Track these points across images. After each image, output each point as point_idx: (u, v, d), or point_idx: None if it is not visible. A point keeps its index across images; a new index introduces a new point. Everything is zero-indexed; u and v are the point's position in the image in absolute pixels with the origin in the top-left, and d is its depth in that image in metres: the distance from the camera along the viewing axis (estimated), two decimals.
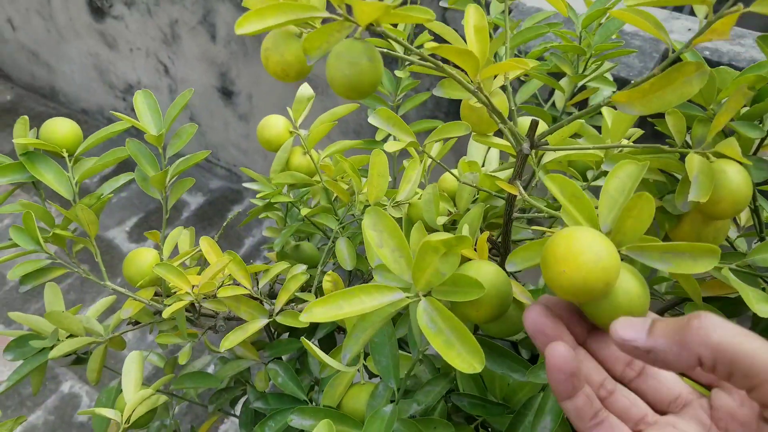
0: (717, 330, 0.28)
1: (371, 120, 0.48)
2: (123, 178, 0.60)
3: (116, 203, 2.15)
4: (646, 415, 0.34)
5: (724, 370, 0.28)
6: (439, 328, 0.38)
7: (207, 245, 0.56)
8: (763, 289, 0.49)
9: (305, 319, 0.38)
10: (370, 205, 0.65)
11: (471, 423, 0.56)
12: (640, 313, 0.36)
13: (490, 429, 0.55)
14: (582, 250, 0.33)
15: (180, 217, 2.11)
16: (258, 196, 0.66)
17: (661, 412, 0.35)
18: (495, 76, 0.49)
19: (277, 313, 0.54)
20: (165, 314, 0.49)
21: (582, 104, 0.82)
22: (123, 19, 2.01)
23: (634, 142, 0.59)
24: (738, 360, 0.27)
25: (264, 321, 0.53)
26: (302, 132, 0.68)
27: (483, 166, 0.68)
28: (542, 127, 0.55)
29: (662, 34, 0.36)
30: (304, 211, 0.65)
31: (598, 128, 0.61)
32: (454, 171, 0.62)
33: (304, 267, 0.59)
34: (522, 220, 0.60)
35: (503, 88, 0.48)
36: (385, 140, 0.84)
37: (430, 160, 0.72)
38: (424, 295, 0.39)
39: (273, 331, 0.79)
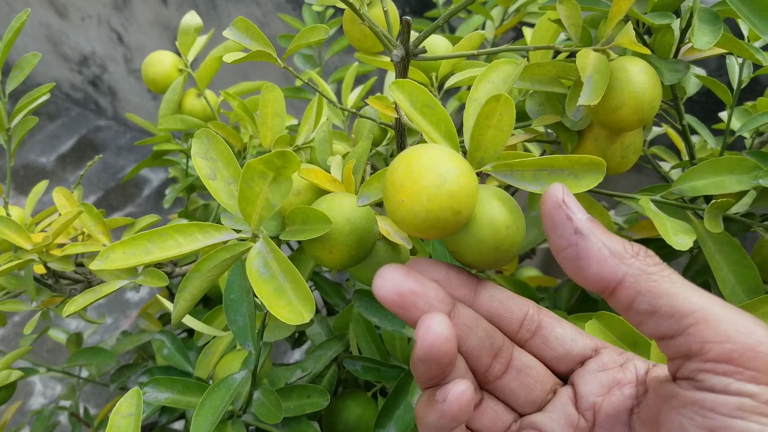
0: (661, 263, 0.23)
1: (226, 33, 0.40)
2: None
3: (72, 182, 2.07)
4: (510, 425, 0.28)
5: (645, 305, 0.22)
6: (272, 273, 0.31)
7: (62, 197, 0.48)
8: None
9: (99, 266, 0.30)
10: (264, 151, 0.58)
11: (371, 390, 0.49)
12: (509, 247, 0.28)
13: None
14: (422, 173, 0.25)
15: (141, 194, 2.03)
16: (136, 143, 0.58)
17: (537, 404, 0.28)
18: None
19: (141, 273, 0.47)
20: None
21: (517, 34, 0.74)
22: None
23: None
24: (668, 294, 0.22)
25: (123, 282, 0.46)
26: (195, 71, 0.60)
27: None
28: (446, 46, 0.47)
29: None
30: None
31: None
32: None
33: (184, 221, 0.51)
34: None
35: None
36: (307, 86, 0.76)
37: (349, 105, 0.65)
38: (264, 236, 0.32)
39: None
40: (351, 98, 0.66)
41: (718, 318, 0.21)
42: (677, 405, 0.22)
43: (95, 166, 2.09)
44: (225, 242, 0.32)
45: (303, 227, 0.33)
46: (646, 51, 0.30)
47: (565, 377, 0.29)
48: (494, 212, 0.28)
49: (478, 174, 0.28)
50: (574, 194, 0.26)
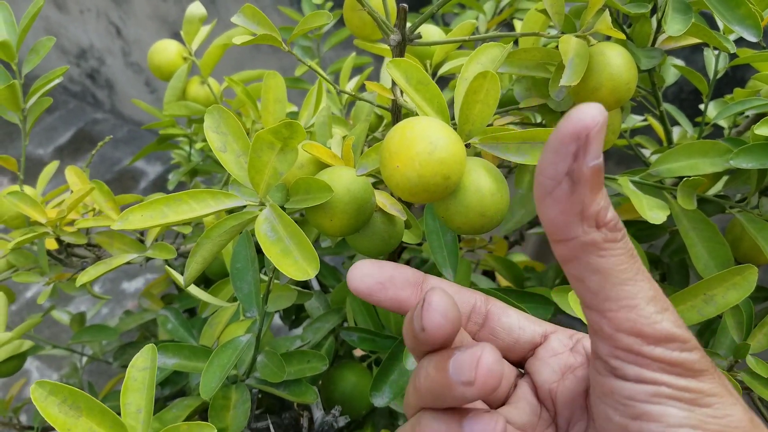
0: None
1: (234, 19, 0.42)
2: None
3: None
4: None
5: (576, 270, 0.22)
6: (279, 236, 0.33)
7: (74, 175, 0.51)
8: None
9: (119, 226, 0.33)
10: None
11: (366, 361, 0.52)
12: (494, 214, 0.31)
13: None
14: (415, 141, 0.28)
15: (137, 186, 2.04)
16: (143, 127, 0.60)
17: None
18: None
19: (150, 246, 0.49)
20: (7, 249, 0.44)
21: (510, 28, 0.77)
22: None
23: None
24: (603, 273, 0.21)
25: (132, 255, 0.48)
26: (198, 59, 0.63)
27: None
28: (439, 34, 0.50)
29: None
30: (199, 144, 0.60)
31: None
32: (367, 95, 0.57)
33: None
34: None
35: None
36: (306, 75, 0.78)
37: (346, 96, 0.67)
38: (270, 204, 0.35)
39: None
40: (348, 87, 0.69)
41: (637, 313, 0.21)
42: (601, 395, 0.23)
43: (97, 161, 2.10)
44: (234, 209, 0.35)
45: (306, 196, 0.36)
46: (621, 36, 0.33)
47: (522, 366, 0.28)
48: (481, 181, 0.31)
49: (466, 146, 0.31)
50: None
